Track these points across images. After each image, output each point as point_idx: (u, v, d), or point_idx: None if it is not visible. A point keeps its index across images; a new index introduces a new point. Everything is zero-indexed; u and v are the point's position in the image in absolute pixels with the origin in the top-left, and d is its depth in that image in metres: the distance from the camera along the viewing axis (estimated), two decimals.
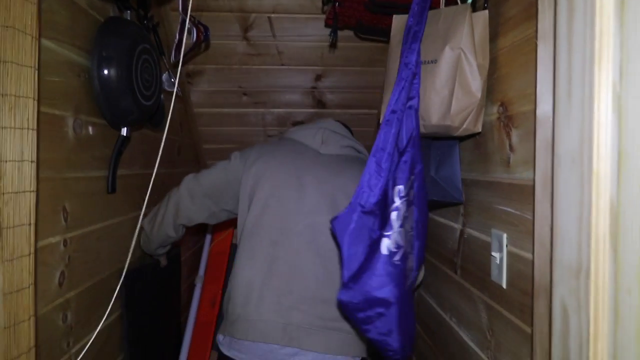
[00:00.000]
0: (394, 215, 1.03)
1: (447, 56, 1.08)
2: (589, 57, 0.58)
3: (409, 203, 1.08)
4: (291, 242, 1.33)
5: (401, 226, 1.04)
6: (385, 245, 1.01)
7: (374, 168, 1.06)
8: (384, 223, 1.05)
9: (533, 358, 0.85)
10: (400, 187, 1.06)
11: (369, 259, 1.03)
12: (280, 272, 1.31)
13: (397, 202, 1.04)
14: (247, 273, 1.33)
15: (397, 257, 1.02)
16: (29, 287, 0.75)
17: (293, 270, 1.31)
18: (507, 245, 1.02)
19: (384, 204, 1.06)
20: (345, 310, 1.07)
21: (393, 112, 1.08)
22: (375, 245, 1.03)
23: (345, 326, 1.30)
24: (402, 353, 1.09)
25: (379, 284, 1.01)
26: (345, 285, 1.04)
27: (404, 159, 1.08)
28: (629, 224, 0.57)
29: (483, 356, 1.14)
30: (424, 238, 1.19)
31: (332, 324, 1.29)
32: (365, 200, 1.05)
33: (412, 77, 1.09)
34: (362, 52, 2.05)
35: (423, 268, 1.54)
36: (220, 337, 1.38)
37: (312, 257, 1.32)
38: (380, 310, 1.03)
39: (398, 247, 1.02)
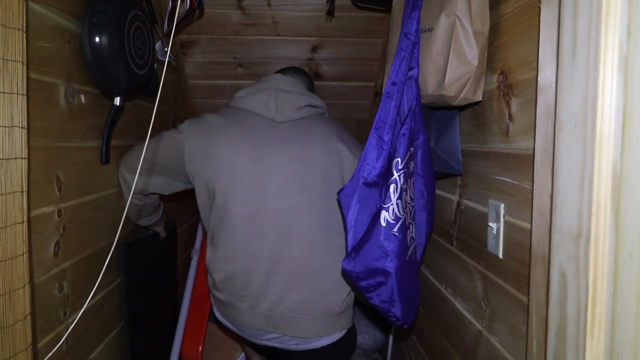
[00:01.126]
0: (391, 187, 1.06)
1: (442, 24, 1.06)
2: (596, 15, 0.56)
3: (408, 175, 1.09)
4: (265, 231, 1.28)
5: (399, 198, 1.05)
6: (384, 216, 1.04)
7: (375, 141, 1.08)
8: (385, 195, 1.06)
9: (529, 326, 0.86)
10: (397, 160, 1.08)
11: (370, 230, 1.06)
12: (260, 263, 1.28)
13: (395, 174, 1.06)
14: (227, 267, 1.31)
15: (395, 229, 1.04)
16: (23, 255, 0.74)
17: (272, 261, 1.28)
18: (504, 216, 1.01)
19: (388, 176, 1.08)
20: (349, 278, 1.10)
21: (393, 84, 1.08)
22: (376, 217, 1.06)
23: (327, 309, 1.30)
24: (403, 320, 1.12)
25: (378, 255, 1.04)
26: (348, 254, 1.07)
27: (402, 131, 1.09)
28: (632, 187, 0.56)
29: (478, 325, 1.15)
30: (432, 209, 1.20)
31: (315, 310, 1.29)
32: (368, 172, 1.08)
33: (412, 47, 1.08)
34: (360, 23, 2.01)
35: None
36: (213, 299, 1.40)
37: (289, 243, 1.29)
38: (381, 279, 1.06)
39: (397, 218, 1.05)
